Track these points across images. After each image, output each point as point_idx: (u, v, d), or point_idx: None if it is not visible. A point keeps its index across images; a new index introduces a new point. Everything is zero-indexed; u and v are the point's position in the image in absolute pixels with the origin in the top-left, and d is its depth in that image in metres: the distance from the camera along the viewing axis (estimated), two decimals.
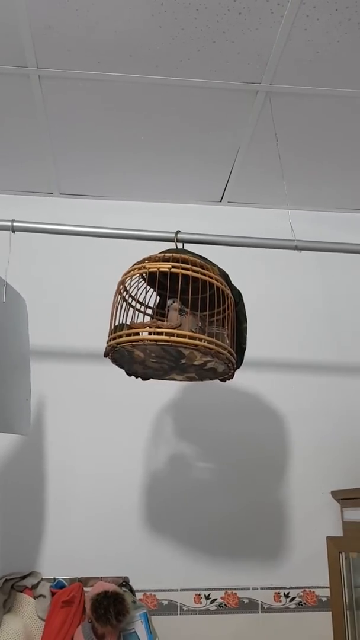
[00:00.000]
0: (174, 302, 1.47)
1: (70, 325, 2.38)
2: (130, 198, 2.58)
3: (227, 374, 1.60)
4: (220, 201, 2.61)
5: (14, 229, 1.66)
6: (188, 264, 1.48)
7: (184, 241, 1.70)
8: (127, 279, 1.54)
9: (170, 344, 1.37)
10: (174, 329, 1.40)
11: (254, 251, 2.39)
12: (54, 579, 2.02)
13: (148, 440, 2.26)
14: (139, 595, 2.06)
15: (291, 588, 2.15)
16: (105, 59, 1.80)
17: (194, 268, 1.47)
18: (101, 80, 1.89)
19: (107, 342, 1.47)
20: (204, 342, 1.39)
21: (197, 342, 1.38)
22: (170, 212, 2.59)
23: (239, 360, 1.62)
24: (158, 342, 1.37)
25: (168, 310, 1.49)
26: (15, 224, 1.66)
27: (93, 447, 2.22)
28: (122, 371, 1.65)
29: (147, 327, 1.42)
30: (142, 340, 1.39)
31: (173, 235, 1.70)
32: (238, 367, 1.61)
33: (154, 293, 1.66)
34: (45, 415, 2.25)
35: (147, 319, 1.66)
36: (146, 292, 1.64)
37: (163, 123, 2.10)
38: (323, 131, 2.13)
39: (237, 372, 1.63)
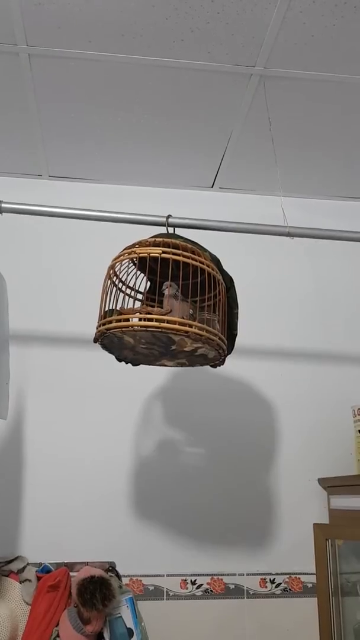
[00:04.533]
0: (170, 285, 1.45)
1: (57, 310, 2.35)
2: (120, 182, 2.55)
3: (218, 360, 1.59)
4: (212, 187, 2.58)
5: (1, 210, 1.63)
6: (179, 249, 1.46)
7: (175, 226, 1.68)
8: (117, 263, 1.52)
9: (160, 330, 1.35)
10: (164, 315, 1.38)
11: (245, 238, 2.36)
12: (40, 564, 2.01)
13: (136, 425, 2.25)
14: (125, 580, 2.06)
15: (277, 574, 2.16)
16: (97, 37, 1.76)
17: (185, 253, 1.45)
18: (92, 60, 1.85)
19: (97, 328, 1.45)
20: (195, 328, 1.37)
21: (187, 328, 1.36)
22: (161, 196, 2.56)
23: (230, 347, 1.61)
24: (148, 329, 1.36)
25: (162, 294, 1.46)
26: (3, 205, 1.63)
27: (80, 433, 2.21)
28: (110, 357, 1.63)
29: (137, 313, 1.40)
30: (132, 326, 1.37)
31: (164, 219, 1.67)
32: (229, 353, 1.60)
33: (144, 278, 1.64)
34: (29, 400, 2.23)
35: (138, 304, 1.64)
36: (136, 277, 1.62)
37: (154, 105, 2.06)
38: (317, 117, 2.11)
39: (226, 359, 1.62)
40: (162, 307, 1.46)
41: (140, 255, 1.46)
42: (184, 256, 1.44)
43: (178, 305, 1.44)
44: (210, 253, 1.58)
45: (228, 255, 1.78)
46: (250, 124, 2.15)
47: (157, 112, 2.09)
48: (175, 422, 2.27)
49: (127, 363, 1.68)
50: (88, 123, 2.16)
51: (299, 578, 2.16)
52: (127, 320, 1.38)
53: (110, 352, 1.59)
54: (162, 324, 1.35)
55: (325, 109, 2.07)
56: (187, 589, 2.11)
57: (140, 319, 1.37)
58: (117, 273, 1.56)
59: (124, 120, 2.14)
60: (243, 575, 2.15)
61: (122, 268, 1.56)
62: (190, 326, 1.37)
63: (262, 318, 2.44)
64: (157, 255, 1.43)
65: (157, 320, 1.35)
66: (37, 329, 2.31)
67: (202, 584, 2.12)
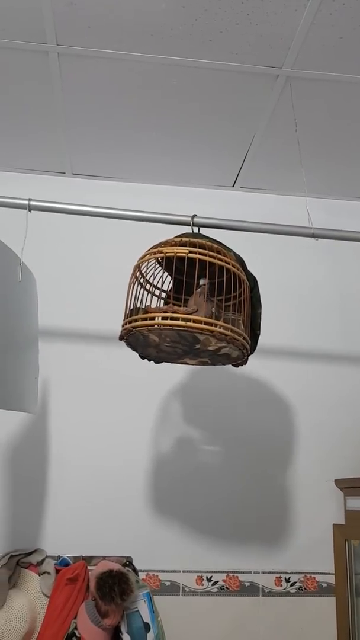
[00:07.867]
0: (204, 284, 1.46)
1: (79, 307, 2.37)
2: (140, 180, 2.56)
3: (241, 359, 1.60)
4: (233, 186, 2.59)
5: (30, 208, 1.65)
6: (205, 248, 1.47)
7: (200, 225, 1.69)
8: (143, 263, 1.54)
9: (186, 329, 1.37)
10: (190, 314, 1.39)
11: (264, 239, 2.34)
12: (59, 557, 2.04)
13: (154, 422, 2.27)
14: (141, 575, 2.08)
15: (292, 573, 2.17)
16: (126, 38, 1.77)
17: (211, 253, 1.46)
18: (121, 60, 1.86)
19: (123, 326, 1.47)
20: (220, 328, 1.39)
21: (213, 328, 1.38)
22: (181, 195, 2.57)
23: (253, 346, 1.62)
24: (174, 327, 1.37)
25: (199, 286, 1.48)
26: (32, 202, 1.65)
27: (100, 429, 2.23)
28: (131, 354, 1.65)
29: (163, 312, 1.42)
30: (158, 324, 1.38)
31: (189, 219, 1.68)
32: (251, 353, 1.61)
33: (169, 277, 1.65)
34: (51, 396, 2.25)
35: (162, 303, 1.66)
36: (162, 277, 1.63)
37: (180, 105, 2.07)
38: (344, 118, 2.10)
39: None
40: (187, 305, 1.47)
41: (167, 254, 1.48)
42: (210, 256, 1.45)
43: (203, 304, 1.46)
44: (234, 253, 1.59)
45: (249, 255, 1.78)
46: (275, 125, 2.15)
47: (182, 111, 2.10)
48: (193, 419, 2.29)
49: (149, 361, 1.70)
50: (113, 121, 2.17)
51: (314, 577, 2.17)
52: (154, 318, 1.40)
53: (135, 349, 1.61)
54: (189, 323, 1.36)
55: (352, 110, 2.07)
56: (202, 585, 2.12)
57: (166, 318, 1.39)
58: (143, 272, 1.57)
59: (148, 119, 2.16)
60: (258, 573, 2.16)
61: (148, 267, 1.57)
62: (216, 326, 1.38)
63: (284, 318, 2.45)
64: (184, 255, 1.45)
65: (183, 319, 1.37)
66: (55, 325, 2.33)
67: (217, 581, 2.13)
